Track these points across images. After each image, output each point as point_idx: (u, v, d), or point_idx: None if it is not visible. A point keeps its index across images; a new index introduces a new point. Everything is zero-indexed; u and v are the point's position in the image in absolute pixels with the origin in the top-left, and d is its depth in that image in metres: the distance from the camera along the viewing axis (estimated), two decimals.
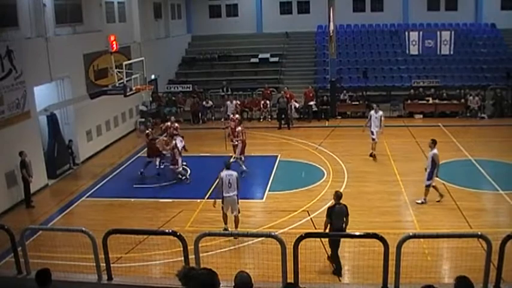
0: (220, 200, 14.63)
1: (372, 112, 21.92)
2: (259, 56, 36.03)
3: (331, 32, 30.05)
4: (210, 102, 31.21)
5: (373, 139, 21.62)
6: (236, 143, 20.71)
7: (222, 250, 13.12)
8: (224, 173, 14.63)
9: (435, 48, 28.99)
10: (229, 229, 14.59)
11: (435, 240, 12.96)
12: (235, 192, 14.57)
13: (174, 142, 19.48)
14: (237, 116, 22.60)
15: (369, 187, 18.39)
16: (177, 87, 32.42)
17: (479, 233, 8.11)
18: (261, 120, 29.79)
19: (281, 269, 7.49)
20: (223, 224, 14.82)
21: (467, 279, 5.39)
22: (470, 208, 16.00)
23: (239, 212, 14.76)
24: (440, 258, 12.88)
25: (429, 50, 29.32)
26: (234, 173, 14.79)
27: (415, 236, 8.60)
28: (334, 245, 12.09)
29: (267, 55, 36.05)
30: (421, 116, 29.48)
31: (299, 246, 7.51)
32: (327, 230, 12.17)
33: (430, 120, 28.57)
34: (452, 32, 29.15)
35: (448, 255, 12.95)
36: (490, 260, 7.42)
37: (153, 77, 30.15)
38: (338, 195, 12.46)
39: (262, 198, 17.89)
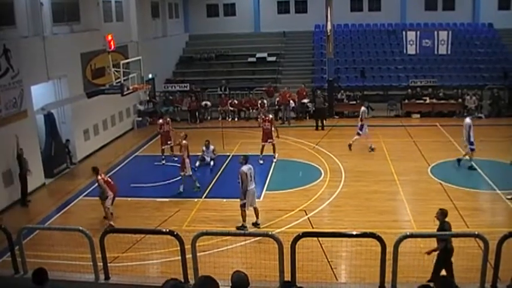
0: (242, 197, 15.05)
1: (468, 120, 19.92)
2: (257, 56, 36.02)
3: (328, 31, 30.05)
4: (209, 103, 31.23)
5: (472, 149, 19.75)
6: (274, 141, 21.85)
7: (219, 249, 13.12)
8: (245, 167, 15.00)
9: (432, 48, 28.98)
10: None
11: (432, 239, 12.97)
12: (255, 185, 15.44)
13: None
14: (270, 115, 22.74)
15: (366, 186, 18.41)
16: (175, 87, 32.41)
17: (476, 232, 8.12)
18: (259, 119, 29.75)
19: (278, 268, 7.49)
20: (242, 221, 15.10)
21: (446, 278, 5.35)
22: (467, 207, 16.02)
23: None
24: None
25: (426, 50, 29.30)
26: (252, 167, 15.38)
27: (412, 236, 8.58)
28: (443, 265, 11.28)
29: (265, 54, 36.04)
30: (419, 115, 29.51)
31: (296, 246, 7.51)
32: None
33: (428, 119, 28.61)
34: (450, 32, 29.14)
35: None
36: (487, 260, 7.42)
37: (150, 76, 30.15)
38: (444, 213, 11.31)
39: (259, 198, 17.83)
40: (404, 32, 29.86)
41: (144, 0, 31.21)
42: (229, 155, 22.49)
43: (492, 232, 9.43)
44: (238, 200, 15.17)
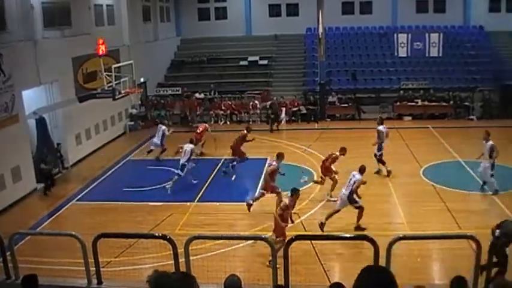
0: None
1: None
2: (249, 59, 36.00)
3: (320, 34, 30.13)
4: (202, 95, 31.73)
5: None
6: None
7: (212, 253, 13.09)
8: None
9: (424, 50, 29.13)
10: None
11: (425, 241, 13.02)
12: None
13: None
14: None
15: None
16: (166, 90, 32.43)
17: (469, 234, 8.15)
18: (250, 122, 29.75)
19: (271, 271, 7.48)
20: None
21: (461, 279, 5.38)
22: (460, 209, 16.06)
23: None
24: (430, 259, 12.93)
25: (418, 52, 29.45)
26: None
27: (405, 238, 8.58)
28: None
29: (256, 58, 36.03)
30: (410, 117, 29.61)
31: (289, 249, 7.50)
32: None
33: (419, 122, 28.70)
34: (441, 34, 29.29)
35: (438, 256, 13.00)
36: (480, 261, 7.45)
37: (142, 80, 30.09)
38: None
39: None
40: (395, 35, 30.01)
41: (135, 4, 31.17)
42: (221, 159, 22.43)
43: (484, 233, 9.48)
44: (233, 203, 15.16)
